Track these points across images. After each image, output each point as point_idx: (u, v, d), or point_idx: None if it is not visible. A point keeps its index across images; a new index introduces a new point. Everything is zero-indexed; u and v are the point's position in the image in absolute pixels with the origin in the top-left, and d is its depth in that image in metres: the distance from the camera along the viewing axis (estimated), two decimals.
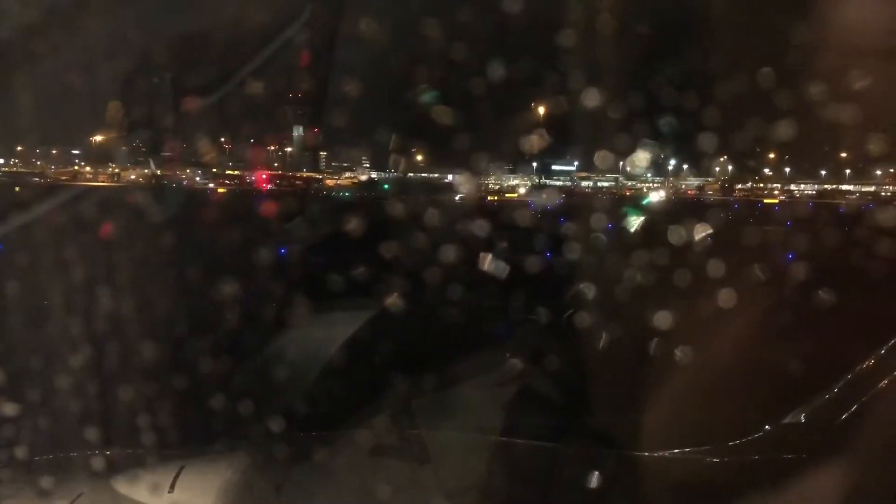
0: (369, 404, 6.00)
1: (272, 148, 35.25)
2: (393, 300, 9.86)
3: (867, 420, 3.74)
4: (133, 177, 27.30)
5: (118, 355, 7.17)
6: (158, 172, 25.89)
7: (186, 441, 5.56)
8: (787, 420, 4.05)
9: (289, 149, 35.80)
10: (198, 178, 31.32)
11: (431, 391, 6.15)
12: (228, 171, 32.79)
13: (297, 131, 33.62)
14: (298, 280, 11.49)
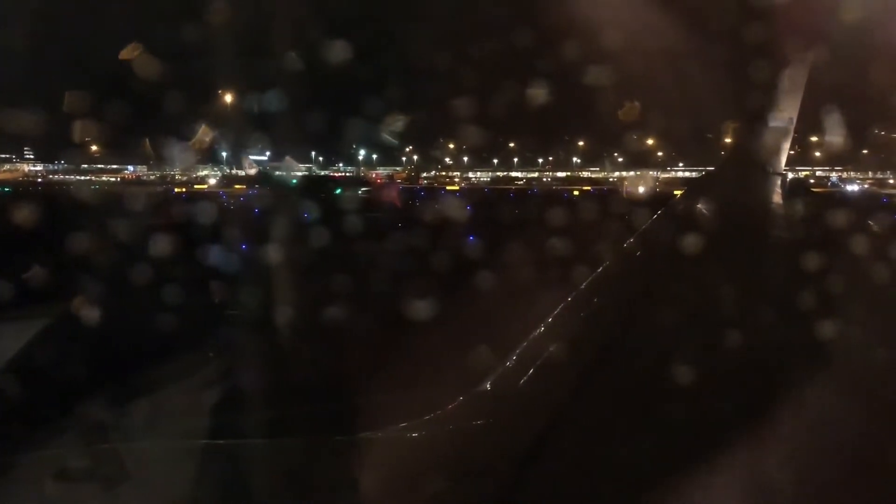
0: (52, 423, 5.38)
1: None
2: (74, 305, 8.97)
3: (542, 382, 4.22)
4: None
5: None
6: None
7: None
8: (477, 389, 4.39)
9: None
10: None
11: (127, 401, 5.70)
12: None
13: None
14: None
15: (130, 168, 68.64)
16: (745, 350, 4.34)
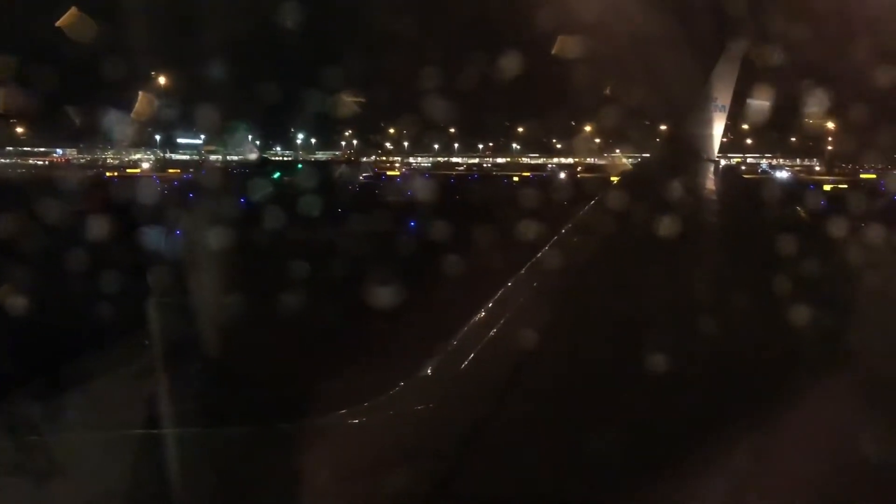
0: None
1: None
2: None
3: (482, 367, 4.25)
4: None
5: None
6: None
7: None
8: (418, 374, 4.39)
9: None
10: None
11: (57, 392, 5.52)
12: None
13: None
14: None
15: (59, 151, 66.19)
16: (679, 332, 4.45)
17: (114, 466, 3.18)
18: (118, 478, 3.06)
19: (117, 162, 64.11)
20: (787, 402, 3.46)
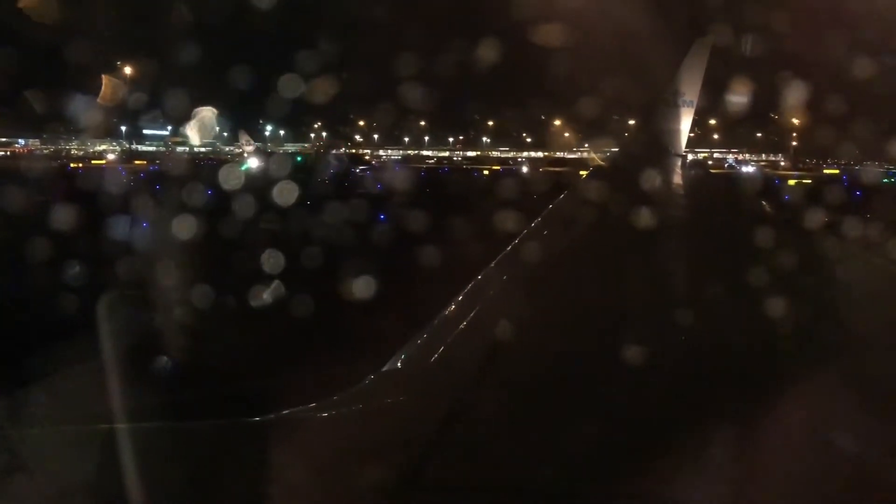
0: None
1: None
2: None
3: (452, 359, 4.27)
4: None
5: None
6: None
7: None
8: (386, 367, 4.39)
9: None
10: None
11: (19, 387, 5.44)
12: None
13: None
14: None
15: (21, 141, 65.07)
16: (648, 322, 4.51)
17: (79, 462, 3.14)
18: (83, 473, 3.01)
19: (82, 153, 63.10)
20: (766, 392, 3.52)
